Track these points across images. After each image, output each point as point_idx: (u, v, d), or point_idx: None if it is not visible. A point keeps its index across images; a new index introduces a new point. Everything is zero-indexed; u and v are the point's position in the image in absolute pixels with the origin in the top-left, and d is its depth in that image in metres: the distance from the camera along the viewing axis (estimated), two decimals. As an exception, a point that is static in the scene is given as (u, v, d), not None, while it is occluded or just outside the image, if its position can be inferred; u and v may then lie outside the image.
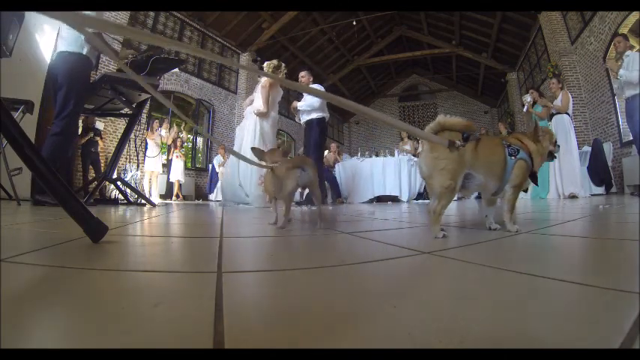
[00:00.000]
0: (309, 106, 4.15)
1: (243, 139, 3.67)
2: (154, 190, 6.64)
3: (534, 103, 4.87)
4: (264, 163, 1.28)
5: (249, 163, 1.22)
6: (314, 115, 4.15)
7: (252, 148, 1.37)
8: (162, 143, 6.96)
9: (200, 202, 6.83)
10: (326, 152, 6.20)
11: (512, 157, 1.03)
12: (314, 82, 4.49)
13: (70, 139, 2.50)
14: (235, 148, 3.68)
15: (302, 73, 4.33)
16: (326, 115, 4.22)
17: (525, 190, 1.14)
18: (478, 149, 0.96)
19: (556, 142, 1.18)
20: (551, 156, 1.17)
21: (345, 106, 0.59)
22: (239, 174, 3.58)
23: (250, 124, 3.68)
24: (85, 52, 2.49)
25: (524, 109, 5.06)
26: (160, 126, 6.94)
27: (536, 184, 1.13)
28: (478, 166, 0.98)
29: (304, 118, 4.26)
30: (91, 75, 2.70)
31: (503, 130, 7.22)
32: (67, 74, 2.42)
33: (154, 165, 6.60)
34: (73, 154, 5.41)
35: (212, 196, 7.89)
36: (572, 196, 4.19)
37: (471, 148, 0.94)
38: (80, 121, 5.37)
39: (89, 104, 2.98)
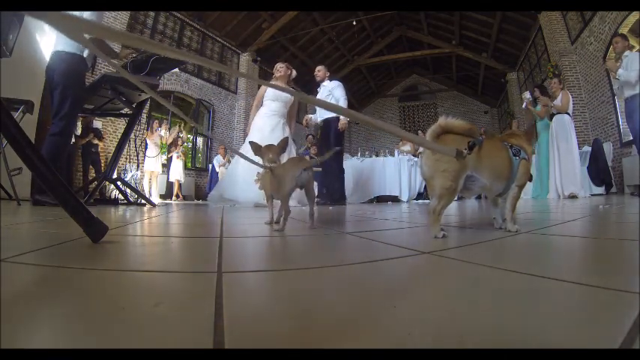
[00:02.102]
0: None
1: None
2: (153, 190, 6.64)
3: (535, 100, 4.84)
4: (266, 164, 1.25)
5: (252, 164, 1.19)
6: (331, 114, 4.04)
7: (250, 142, 1.29)
8: (162, 143, 6.96)
9: (200, 202, 6.82)
10: None
11: (517, 157, 1.03)
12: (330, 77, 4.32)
13: (69, 138, 2.50)
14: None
15: (318, 67, 4.23)
16: None
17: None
18: (481, 152, 0.96)
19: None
20: None
21: (356, 119, 0.58)
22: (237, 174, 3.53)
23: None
24: (80, 52, 2.49)
25: (524, 106, 5.02)
26: (160, 126, 6.94)
27: (530, 181, 1.15)
28: (482, 168, 0.98)
29: (321, 117, 4.18)
30: (88, 76, 2.70)
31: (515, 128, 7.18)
32: (61, 73, 2.42)
33: (153, 165, 6.61)
34: (72, 153, 5.42)
35: (212, 196, 7.88)
36: (572, 196, 4.19)
37: (473, 151, 0.95)
38: (79, 122, 5.39)
39: (89, 104, 2.98)
